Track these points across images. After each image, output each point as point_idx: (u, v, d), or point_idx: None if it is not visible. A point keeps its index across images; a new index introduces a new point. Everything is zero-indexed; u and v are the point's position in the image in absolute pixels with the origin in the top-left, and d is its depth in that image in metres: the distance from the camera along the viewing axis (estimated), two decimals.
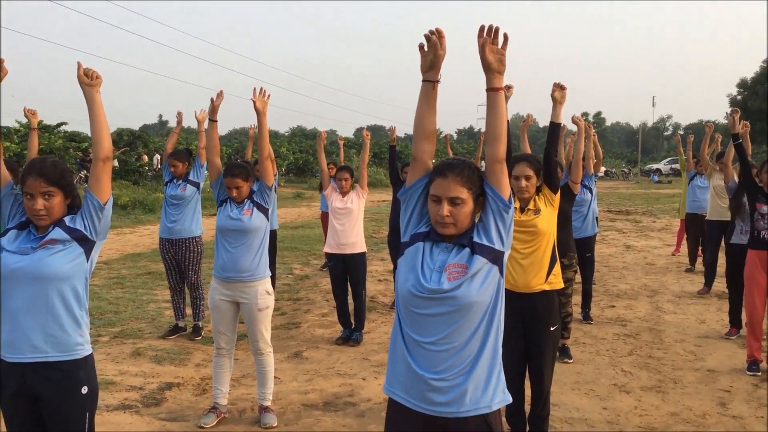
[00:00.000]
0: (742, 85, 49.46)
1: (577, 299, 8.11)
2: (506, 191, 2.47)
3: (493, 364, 2.44)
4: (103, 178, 2.93)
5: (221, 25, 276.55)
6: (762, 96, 45.27)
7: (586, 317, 7.85)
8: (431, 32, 2.42)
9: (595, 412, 5.12)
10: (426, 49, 2.44)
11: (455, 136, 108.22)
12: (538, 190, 4.29)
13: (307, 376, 5.96)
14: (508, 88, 4.34)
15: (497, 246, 2.45)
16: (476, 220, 2.53)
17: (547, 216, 4.23)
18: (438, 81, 2.49)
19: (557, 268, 4.30)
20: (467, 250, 2.43)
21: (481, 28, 2.39)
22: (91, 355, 3.03)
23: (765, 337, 6.39)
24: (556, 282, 4.28)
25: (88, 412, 2.97)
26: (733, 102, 49.50)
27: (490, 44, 2.39)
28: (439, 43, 2.41)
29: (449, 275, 2.38)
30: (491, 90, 2.44)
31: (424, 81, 2.49)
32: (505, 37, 2.40)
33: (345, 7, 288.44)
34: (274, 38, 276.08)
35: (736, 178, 6.93)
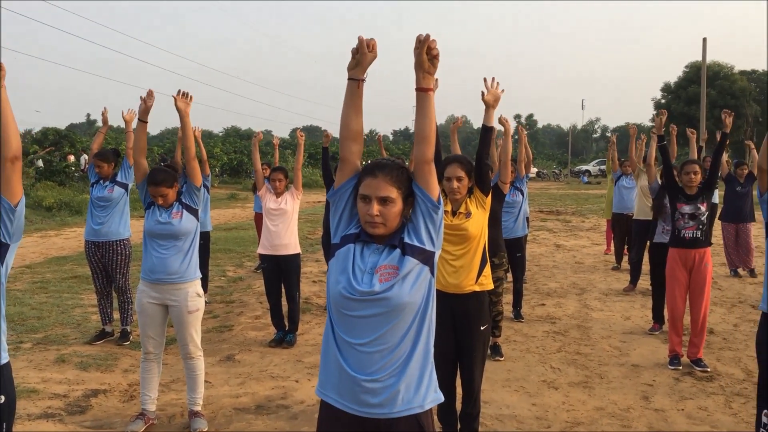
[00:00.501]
0: (667, 89, 51.38)
1: (508, 298, 8.27)
2: (435, 192, 2.49)
3: (425, 364, 2.45)
4: (13, 179, 2.81)
5: (154, 22, 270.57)
6: (685, 100, 47.11)
7: (517, 316, 8.00)
8: (364, 41, 2.42)
9: (525, 408, 5.22)
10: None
11: (391, 137, 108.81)
12: (470, 192, 4.34)
13: (239, 380, 5.87)
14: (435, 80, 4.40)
15: (428, 246, 2.46)
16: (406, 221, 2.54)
17: (478, 219, 4.29)
18: (363, 80, 2.48)
19: (487, 269, 4.37)
20: (398, 251, 2.43)
21: (419, 37, 2.39)
22: (7, 364, 2.90)
23: (686, 332, 6.63)
24: (487, 283, 4.34)
25: (5, 422, 2.84)
26: (658, 105, 51.35)
27: (426, 46, 2.40)
28: (369, 46, 2.41)
29: (381, 277, 2.38)
30: (420, 90, 2.45)
31: (349, 80, 2.48)
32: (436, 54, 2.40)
33: (282, 7, 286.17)
34: (211, 38, 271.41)
35: (659, 179, 7.18)
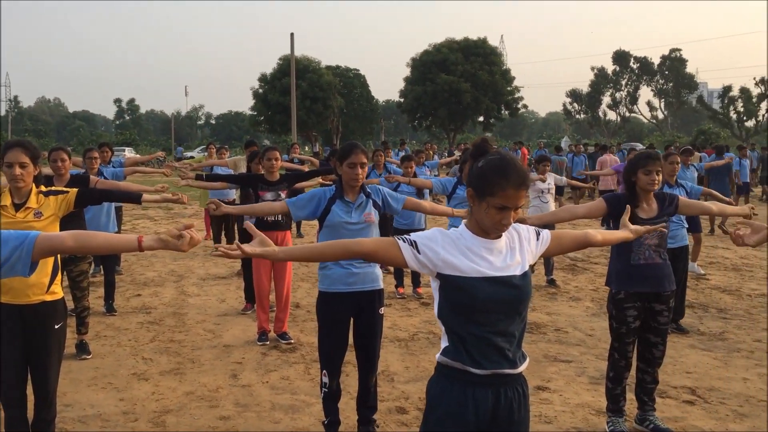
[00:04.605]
0: (263, 79, 53.93)
1: (100, 291, 7.90)
2: None
3: None
4: None
5: None
6: (279, 90, 50.07)
7: (110, 309, 7.67)
8: None
9: (111, 405, 5.04)
10: None
11: None
12: (47, 189, 4.02)
13: None
14: None
15: None
16: None
17: (53, 221, 3.99)
18: None
19: (59, 277, 4.05)
20: None
21: None
22: None
23: (273, 309, 7.07)
24: (59, 291, 4.02)
25: None
26: (256, 95, 53.70)
27: None
28: None
29: None
30: None
31: None
32: None
33: None
34: None
35: (243, 169, 7.54)
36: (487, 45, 54.41)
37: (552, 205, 9.19)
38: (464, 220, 2.61)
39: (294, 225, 13.55)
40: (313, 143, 52.78)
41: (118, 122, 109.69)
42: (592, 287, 9.15)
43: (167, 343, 6.61)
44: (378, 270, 4.47)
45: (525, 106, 60.53)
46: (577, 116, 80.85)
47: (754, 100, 67.38)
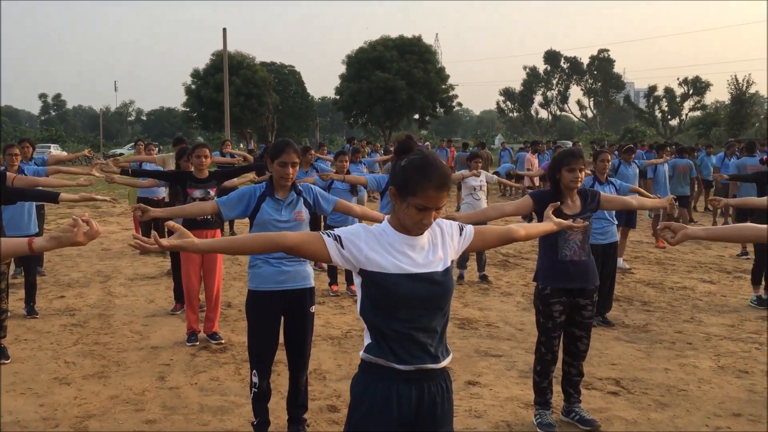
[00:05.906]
0: (196, 75, 52.97)
1: (21, 293, 7.60)
2: None
3: None
4: None
5: None
6: (213, 86, 49.27)
7: (31, 312, 7.37)
8: None
9: (31, 411, 4.84)
10: None
11: None
12: None
13: None
14: None
15: None
16: None
17: None
18: None
19: None
20: None
21: None
22: None
23: (203, 308, 6.92)
24: None
25: None
26: (189, 90, 52.73)
27: None
28: None
29: None
30: None
31: None
32: None
33: None
34: None
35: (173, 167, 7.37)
36: (422, 43, 54.71)
37: (484, 203, 9.30)
38: (387, 216, 2.60)
39: (227, 223, 13.34)
40: (248, 140, 52.15)
41: (43, 118, 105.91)
42: (522, 282, 9.31)
43: (91, 345, 6.39)
44: (309, 268, 4.43)
45: (460, 104, 61.20)
46: (511, 114, 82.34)
47: (678, 99, 70.12)
